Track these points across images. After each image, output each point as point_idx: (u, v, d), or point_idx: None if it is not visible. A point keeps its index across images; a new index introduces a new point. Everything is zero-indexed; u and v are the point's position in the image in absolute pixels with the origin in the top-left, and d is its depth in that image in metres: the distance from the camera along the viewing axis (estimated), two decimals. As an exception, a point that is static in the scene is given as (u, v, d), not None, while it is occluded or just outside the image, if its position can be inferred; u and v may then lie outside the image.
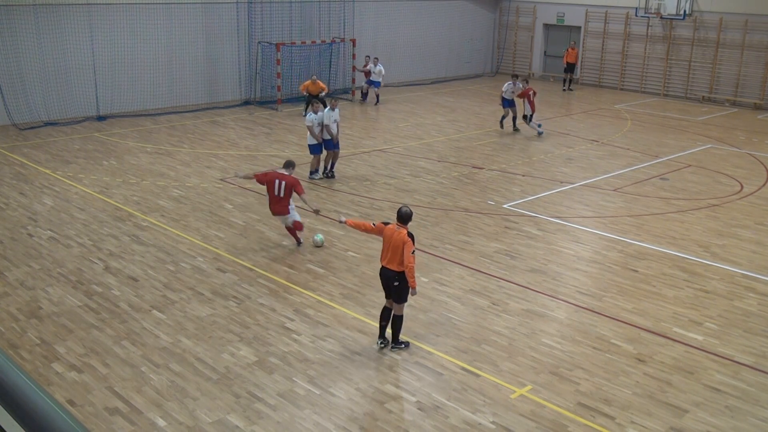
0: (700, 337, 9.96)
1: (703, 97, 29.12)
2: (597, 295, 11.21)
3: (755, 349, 9.68)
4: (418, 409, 8.16)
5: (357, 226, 9.79)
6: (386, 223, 9.34)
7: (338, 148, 16.70)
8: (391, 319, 9.35)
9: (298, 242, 12.78)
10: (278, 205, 12.41)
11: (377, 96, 26.18)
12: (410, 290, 9.17)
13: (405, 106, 26.05)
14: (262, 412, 7.94)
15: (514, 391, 8.53)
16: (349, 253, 12.50)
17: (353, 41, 26.88)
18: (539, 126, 21.97)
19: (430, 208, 14.97)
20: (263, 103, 25.29)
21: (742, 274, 12.16)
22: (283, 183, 12.30)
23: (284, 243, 12.82)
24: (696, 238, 13.70)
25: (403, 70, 30.84)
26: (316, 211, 12.70)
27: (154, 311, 10.17)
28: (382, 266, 9.23)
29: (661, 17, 29.36)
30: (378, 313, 10.28)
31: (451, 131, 22.21)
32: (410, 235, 8.98)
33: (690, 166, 18.93)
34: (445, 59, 32.24)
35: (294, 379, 8.61)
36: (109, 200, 14.76)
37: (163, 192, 15.39)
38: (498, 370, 8.96)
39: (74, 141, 19.53)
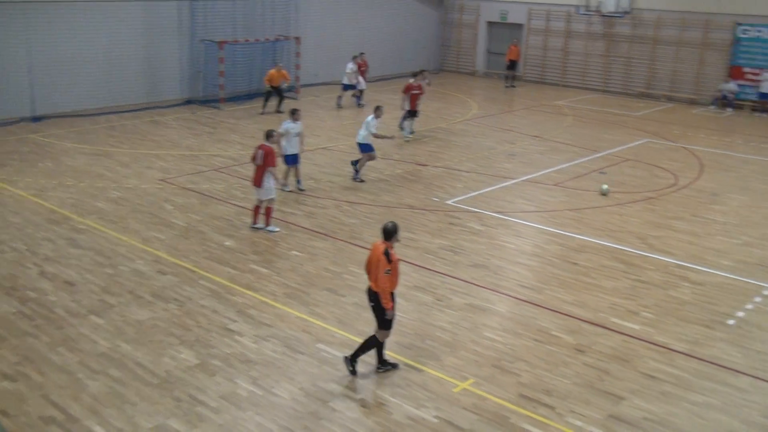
0: (636, 327, 10.19)
1: (641, 92, 29.80)
2: (538, 288, 11.38)
3: (689, 337, 9.95)
4: (362, 406, 8.17)
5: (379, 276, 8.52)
6: None
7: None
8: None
9: (254, 223, 13.35)
10: (256, 175, 12.99)
11: (338, 99, 25.58)
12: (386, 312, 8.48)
13: (349, 101, 26.01)
14: (203, 415, 7.85)
15: (457, 385, 8.61)
16: (293, 252, 12.44)
17: (297, 39, 26.74)
18: (403, 129, 21.09)
19: (374, 205, 14.98)
20: (206, 102, 24.97)
21: (677, 264, 12.48)
22: (261, 152, 12.89)
23: (227, 243, 12.69)
24: (633, 230, 14.01)
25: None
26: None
27: (92, 316, 9.96)
28: (368, 287, 8.69)
29: (601, 15, 29.93)
30: (322, 311, 10.30)
31: (394, 129, 22.23)
32: (386, 253, 8.34)
33: (628, 160, 19.35)
34: (389, 57, 32.30)
35: (236, 380, 8.53)
36: (44, 203, 14.39)
37: (101, 194, 15.07)
38: (441, 365, 9.03)
39: (8, 143, 18.97)
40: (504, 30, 33.69)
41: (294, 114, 15.30)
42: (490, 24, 34.10)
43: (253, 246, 12.65)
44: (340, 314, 10.28)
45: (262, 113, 23.36)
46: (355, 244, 12.83)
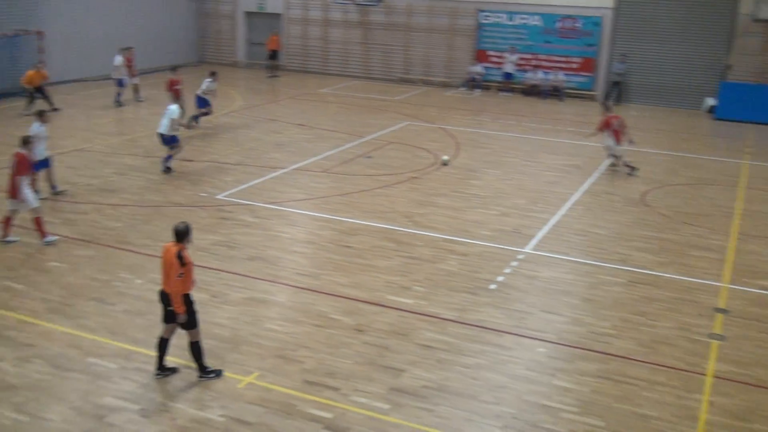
0: (410, 301, 10.68)
1: (400, 78, 31.20)
2: (315, 275, 11.54)
3: (458, 305, 10.62)
4: (143, 416, 7.79)
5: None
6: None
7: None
8: (188, 347, 8.45)
9: (5, 237, 12.23)
10: (11, 185, 11.98)
11: (118, 95, 23.93)
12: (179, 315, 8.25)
13: (104, 100, 24.53)
14: (-41, 453, 7.06)
15: (241, 381, 8.50)
16: (53, 263, 11.53)
17: (40, 33, 24.68)
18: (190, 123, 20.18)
19: (139, 206, 14.30)
20: (-65, 106, 22.31)
21: (443, 238, 13.25)
22: (15, 159, 12.00)
23: (-27, 261, 11.48)
24: (401, 210, 14.65)
25: (101, 63, 29.01)
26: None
27: None
28: (161, 290, 8.39)
29: (356, 4, 30.83)
30: (90, 323, 9.66)
31: (156, 125, 21.32)
32: (179, 256, 8.07)
33: (391, 143, 20.18)
34: (144, 50, 30.85)
35: (-4, 410, 7.77)
36: None
37: None
38: (223, 362, 8.85)
39: None
40: (263, 20, 33.59)
41: (42, 116, 14.16)
42: (249, 14, 33.83)
43: (5, 261, 11.54)
44: (110, 324, 9.71)
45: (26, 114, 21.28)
46: (123, 249, 12.18)
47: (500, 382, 8.68)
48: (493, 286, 11.29)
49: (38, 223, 12.21)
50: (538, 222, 14.25)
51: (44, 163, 14.26)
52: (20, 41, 24.80)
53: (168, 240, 8.50)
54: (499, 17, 29.29)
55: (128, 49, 24.47)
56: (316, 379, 8.57)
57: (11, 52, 24.59)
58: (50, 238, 12.30)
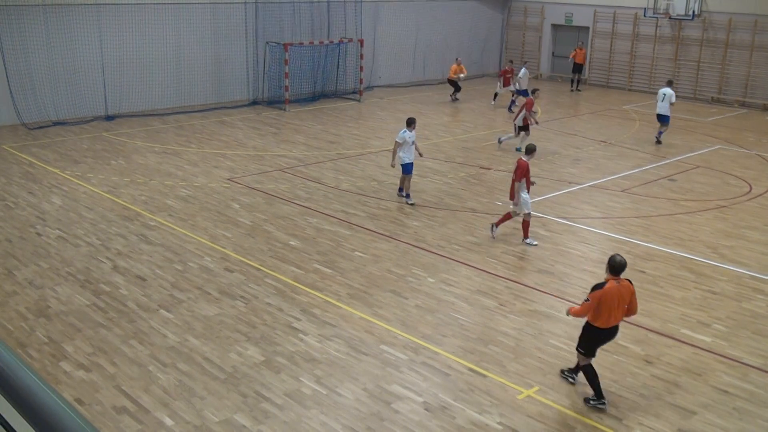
0: (708, 339, 9.91)
1: (712, 98, 29.00)
2: (604, 296, 11.16)
3: (763, 351, 9.62)
4: (425, 409, 8.15)
5: (579, 314, 8.38)
6: (597, 286, 8.16)
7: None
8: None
9: (524, 239, 13.21)
10: (510, 189, 13.07)
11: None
12: None
13: (412, 106, 26.02)
14: (268, 411, 7.95)
15: (521, 392, 8.52)
16: (356, 253, 12.51)
17: (361, 42, 26.90)
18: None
19: (437, 208, 14.95)
20: (271, 103, 25.33)
21: (751, 275, 12.09)
22: (515, 165, 13.08)
23: (291, 243, 12.84)
24: (704, 240, 13.64)
25: (410, 70, 30.88)
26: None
27: (162, 310, 10.20)
28: (607, 329, 8.25)
29: (669, 18, 29.26)
30: (385, 313, 10.32)
31: (458, 131, 22.18)
32: (630, 282, 8.33)
33: (698, 167, 18.85)
34: (452, 59, 32.17)
35: (301, 378, 8.62)
36: (117, 200, 14.81)
37: (170, 192, 15.43)
38: (505, 371, 8.95)
39: (83, 141, 19.61)
40: (569, 33, 33.24)
41: (411, 124, 15.08)
42: (555, 26, 33.68)
43: (317, 246, 12.76)
44: (402, 316, 10.29)
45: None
46: (419, 247, 12.83)
47: (810, 445, 7.71)
48: (809, 337, 10.05)
49: (525, 225, 13.15)
50: None
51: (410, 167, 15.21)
52: (343, 48, 27.22)
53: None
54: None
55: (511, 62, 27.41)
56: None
57: (337, 58, 27.06)
58: (532, 241, 13.17)
